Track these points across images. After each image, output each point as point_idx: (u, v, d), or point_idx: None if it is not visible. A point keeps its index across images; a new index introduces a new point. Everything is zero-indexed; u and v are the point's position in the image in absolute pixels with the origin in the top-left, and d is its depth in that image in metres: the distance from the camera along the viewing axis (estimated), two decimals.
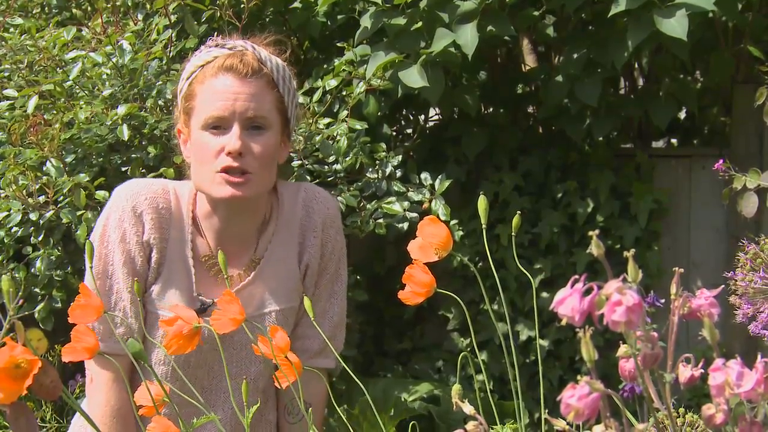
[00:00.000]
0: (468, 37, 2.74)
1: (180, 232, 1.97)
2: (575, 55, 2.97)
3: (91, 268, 1.60)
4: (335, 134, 2.82)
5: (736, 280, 1.88)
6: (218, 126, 1.90)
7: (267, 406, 2.08)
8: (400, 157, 2.92)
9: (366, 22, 2.88)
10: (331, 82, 2.90)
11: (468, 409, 1.23)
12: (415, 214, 2.83)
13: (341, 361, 1.66)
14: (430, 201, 2.89)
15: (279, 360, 1.47)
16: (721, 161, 2.35)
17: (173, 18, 2.94)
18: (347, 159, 2.82)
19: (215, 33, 2.10)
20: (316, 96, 2.90)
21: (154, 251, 1.94)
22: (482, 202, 1.51)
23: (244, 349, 1.99)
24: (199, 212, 1.99)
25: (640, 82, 3.53)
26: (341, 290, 2.08)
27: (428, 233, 1.46)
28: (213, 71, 1.91)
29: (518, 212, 1.59)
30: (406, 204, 2.83)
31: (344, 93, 2.93)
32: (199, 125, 1.92)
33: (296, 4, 3.13)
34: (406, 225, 2.82)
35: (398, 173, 2.95)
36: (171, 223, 1.96)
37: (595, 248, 1.01)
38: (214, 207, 1.96)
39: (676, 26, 2.60)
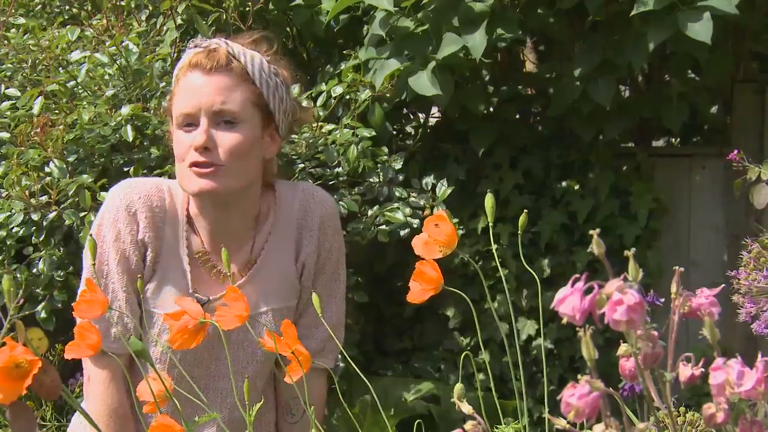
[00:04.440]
0: (477, 40, 2.74)
1: (174, 230, 1.97)
2: (591, 55, 2.95)
3: (93, 265, 1.60)
4: (338, 139, 2.82)
5: (739, 279, 1.87)
6: (190, 123, 1.91)
7: (265, 406, 2.08)
8: (401, 162, 2.92)
9: (377, 30, 2.87)
10: (337, 89, 2.90)
11: (467, 408, 1.23)
12: (416, 221, 2.83)
13: (347, 359, 1.65)
14: (432, 207, 2.89)
15: (287, 355, 1.47)
16: (735, 152, 2.34)
17: (179, 20, 2.95)
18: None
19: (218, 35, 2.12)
20: (321, 100, 2.90)
21: (149, 250, 1.94)
22: (489, 201, 1.51)
23: (241, 348, 1.99)
24: (191, 210, 1.99)
25: (641, 81, 3.53)
26: (339, 292, 2.08)
27: (434, 230, 1.46)
28: (183, 70, 1.94)
29: (525, 211, 1.59)
30: (408, 210, 2.83)
31: (348, 97, 2.93)
32: (174, 124, 1.94)
33: (298, 1, 3.13)
34: (408, 230, 2.82)
35: (400, 177, 2.95)
36: (165, 221, 1.96)
37: (596, 247, 1.01)
38: (200, 204, 1.97)
39: (699, 30, 2.59)
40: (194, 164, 1.89)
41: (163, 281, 1.95)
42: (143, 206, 1.94)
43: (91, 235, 1.66)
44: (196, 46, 1.96)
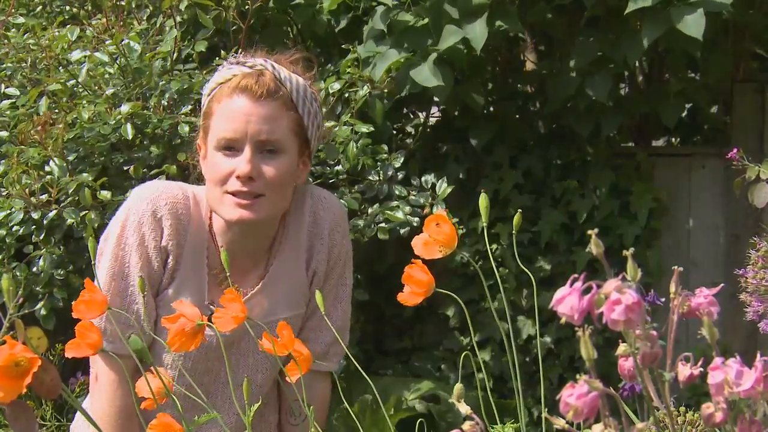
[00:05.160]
0: (477, 32, 2.74)
1: (196, 239, 1.95)
2: (587, 51, 2.96)
3: (94, 265, 1.59)
4: (340, 137, 2.82)
5: (746, 278, 1.87)
6: (231, 147, 1.86)
7: (268, 408, 2.08)
8: (401, 160, 2.92)
9: (378, 24, 2.87)
10: (335, 86, 2.90)
11: (464, 408, 1.23)
12: (416, 219, 2.83)
13: (348, 357, 1.65)
14: (431, 206, 2.90)
15: (287, 354, 1.47)
16: (735, 150, 2.34)
17: (179, 19, 2.95)
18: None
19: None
20: (320, 98, 2.90)
21: (171, 257, 1.92)
22: (483, 201, 1.50)
23: (251, 356, 1.99)
24: (215, 225, 1.97)
25: (640, 80, 3.53)
26: (346, 295, 2.07)
27: (434, 230, 1.45)
28: (228, 91, 1.88)
29: (519, 211, 1.59)
30: (408, 209, 2.83)
31: (347, 95, 2.93)
32: (213, 145, 1.89)
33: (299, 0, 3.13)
34: (407, 229, 2.82)
35: (399, 175, 2.95)
36: (188, 229, 1.93)
37: (595, 247, 1.01)
38: (228, 225, 1.94)
39: (692, 25, 2.60)
40: (236, 193, 1.86)
41: (181, 289, 1.94)
42: (169, 213, 1.91)
43: (91, 237, 1.65)
44: (239, 63, 1.91)
